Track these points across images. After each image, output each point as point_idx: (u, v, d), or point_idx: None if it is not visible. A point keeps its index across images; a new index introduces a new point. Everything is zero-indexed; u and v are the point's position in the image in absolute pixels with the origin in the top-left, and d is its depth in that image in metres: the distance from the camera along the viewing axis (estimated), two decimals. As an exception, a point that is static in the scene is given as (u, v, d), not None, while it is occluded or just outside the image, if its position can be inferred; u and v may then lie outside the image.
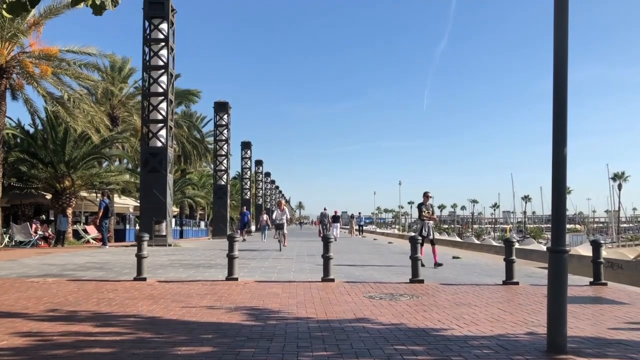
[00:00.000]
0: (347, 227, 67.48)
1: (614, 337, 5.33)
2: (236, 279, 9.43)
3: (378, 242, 29.31)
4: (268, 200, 70.95)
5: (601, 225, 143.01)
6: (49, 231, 23.29)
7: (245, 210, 32.35)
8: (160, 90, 21.37)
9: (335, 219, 30.98)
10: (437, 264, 12.65)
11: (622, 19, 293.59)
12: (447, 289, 8.76)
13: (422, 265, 11.67)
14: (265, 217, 29.77)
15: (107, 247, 19.86)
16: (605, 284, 9.45)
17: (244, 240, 27.47)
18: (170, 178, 21.40)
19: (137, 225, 27.71)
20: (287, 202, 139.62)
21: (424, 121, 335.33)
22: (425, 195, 13.16)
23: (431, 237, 13.03)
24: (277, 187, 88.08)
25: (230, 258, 9.53)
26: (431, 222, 13.17)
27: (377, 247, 23.71)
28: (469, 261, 15.65)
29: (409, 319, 6.11)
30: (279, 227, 19.81)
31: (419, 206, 13.14)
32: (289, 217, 20.81)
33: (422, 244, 12.30)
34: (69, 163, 23.79)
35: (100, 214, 20.44)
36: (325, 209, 31.96)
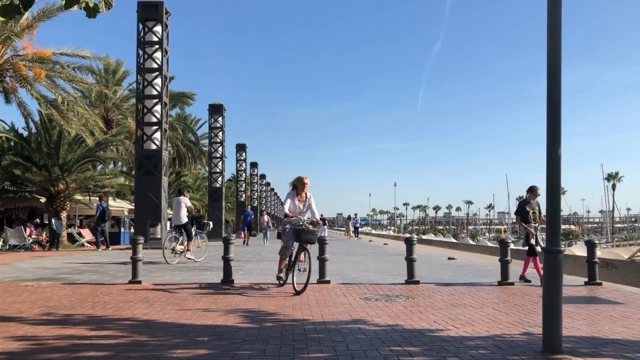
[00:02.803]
0: (342, 229, 67.42)
1: (610, 336, 5.35)
2: (232, 282, 9.41)
3: (373, 244, 29.32)
4: (263, 202, 70.91)
5: (596, 225, 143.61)
6: (43, 235, 23.18)
7: (248, 209, 28.85)
8: (155, 92, 21.34)
9: (322, 221, 32.58)
10: (523, 277, 9.95)
11: (617, 21, 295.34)
12: (442, 290, 8.77)
13: (528, 281, 9.75)
14: (266, 218, 28.48)
15: (99, 250, 19.86)
16: (600, 284, 9.49)
17: (247, 244, 24.63)
18: (165, 181, 21.36)
19: (132, 228, 27.65)
20: (282, 203, 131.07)
21: (418, 123, 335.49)
22: (532, 191, 10.03)
23: (539, 246, 9.66)
24: (272, 189, 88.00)
25: (226, 261, 9.51)
26: (539, 225, 9.98)
27: (372, 248, 23.72)
28: (464, 262, 15.67)
29: (404, 320, 6.11)
30: (306, 237, 8.28)
31: (522, 205, 10.10)
32: (318, 216, 8.91)
33: (535, 255, 9.80)
34: (63, 166, 23.68)
35: (96, 217, 20.56)
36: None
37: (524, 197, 10.29)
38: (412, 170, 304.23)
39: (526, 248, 10.17)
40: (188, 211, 14.09)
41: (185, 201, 14.09)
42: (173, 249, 13.57)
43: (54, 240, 21.78)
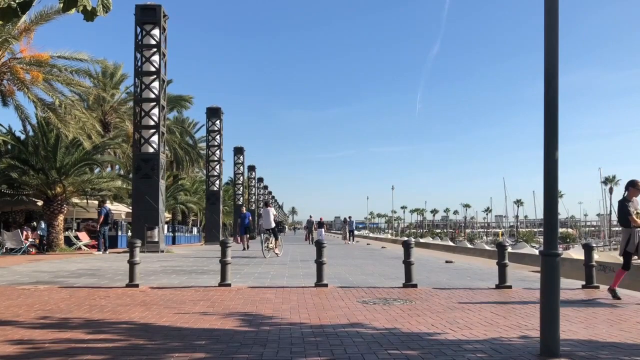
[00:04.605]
0: (339, 232, 67.41)
1: (607, 339, 5.35)
2: (229, 285, 9.40)
3: (371, 247, 29.32)
4: (261, 205, 70.79)
5: (593, 228, 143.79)
6: (37, 237, 23.15)
7: (245, 211, 26.75)
8: (152, 96, 21.32)
9: (320, 224, 35.62)
10: (613, 290, 8.23)
11: (614, 25, 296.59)
12: (440, 293, 8.77)
13: (617, 297, 8.03)
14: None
15: (102, 253, 19.85)
16: (597, 287, 9.49)
17: (247, 248, 23.07)
18: (162, 184, 21.33)
19: (129, 231, 27.56)
20: (280, 206, 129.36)
21: (416, 126, 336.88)
22: (635, 185, 8.16)
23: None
24: (269, 193, 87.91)
25: (223, 264, 9.50)
26: None
27: (370, 252, 23.71)
28: (462, 265, 15.68)
29: (402, 324, 6.11)
30: None
31: (622, 203, 8.17)
32: None
33: (629, 268, 8.23)
34: (61, 169, 23.60)
35: (101, 220, 20.54)
36: (310, 217, 38.38)
37: (623, 195, 8.25)
38: (410, 174, 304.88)
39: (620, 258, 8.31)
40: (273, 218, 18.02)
41: (272, 211, 18.29)
42: (267, 247, 17.66)
43: (42, 243, 21.76)
